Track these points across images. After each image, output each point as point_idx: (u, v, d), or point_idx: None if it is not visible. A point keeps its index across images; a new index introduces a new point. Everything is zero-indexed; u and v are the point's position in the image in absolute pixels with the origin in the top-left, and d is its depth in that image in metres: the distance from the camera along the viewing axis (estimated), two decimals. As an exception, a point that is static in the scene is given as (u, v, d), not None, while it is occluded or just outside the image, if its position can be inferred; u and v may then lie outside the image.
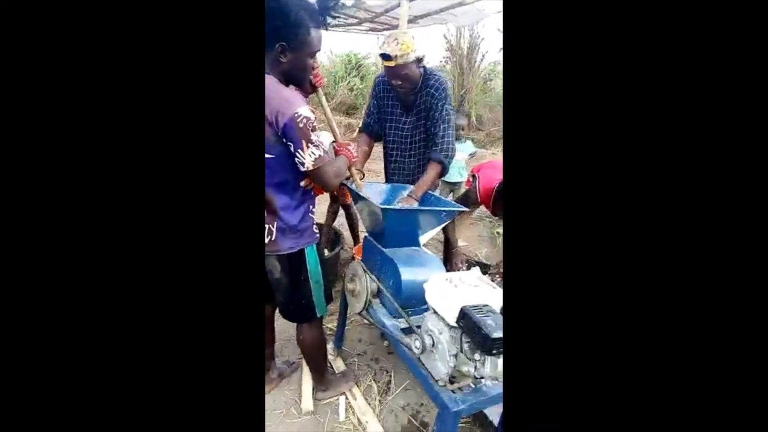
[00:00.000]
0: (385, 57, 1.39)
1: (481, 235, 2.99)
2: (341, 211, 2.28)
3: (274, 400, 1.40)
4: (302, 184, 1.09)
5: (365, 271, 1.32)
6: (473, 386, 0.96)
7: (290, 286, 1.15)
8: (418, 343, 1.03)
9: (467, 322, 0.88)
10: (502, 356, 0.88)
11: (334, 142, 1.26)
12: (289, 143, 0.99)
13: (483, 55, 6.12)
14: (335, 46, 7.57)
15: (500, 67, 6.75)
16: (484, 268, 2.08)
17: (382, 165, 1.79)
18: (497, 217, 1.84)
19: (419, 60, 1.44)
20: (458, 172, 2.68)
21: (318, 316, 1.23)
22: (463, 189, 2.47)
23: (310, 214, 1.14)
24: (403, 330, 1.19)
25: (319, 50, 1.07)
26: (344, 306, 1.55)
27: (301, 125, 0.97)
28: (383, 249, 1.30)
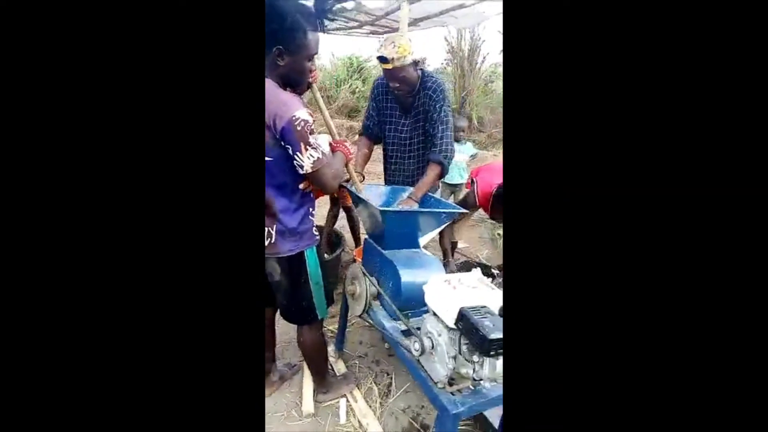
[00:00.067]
0: (383, 60, 1.40)
1: (482, 236, 2.99)
2: (342, 214, 2.29)
3: (275, 403, 1.41)
4: (301, 186, 1.09)
5: (365, 274, 1.32)
6: (473, 388, 0.96)
7: (290, 288, 1.16)
8: (417, 345, 1.03)
9: (465, 324, 0.88)
10: (500, 358, 0.88)
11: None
12: (288, 146, 0.99)
13: (484, 57, 6.13)
14: (337, 50, 7.61)
15: (501, 69, 6.75)
16: (485, 270, 2.08)
17: (382, 167, 1.80)
18: (495, 221, 1.83)
19: (416, 62, 1.44)
20: (459, 174, 2.68)
21: (318, 318, 1.23)
22: (463, 191, 2.47)
23: (310, 217, 1.15)
24: (404, 332, 1.19)
25: (316, 53, 1.08)
26: (345, 308, 1.55)
27: (299, 128, 0.97)
28: (383, 251, 1.30)
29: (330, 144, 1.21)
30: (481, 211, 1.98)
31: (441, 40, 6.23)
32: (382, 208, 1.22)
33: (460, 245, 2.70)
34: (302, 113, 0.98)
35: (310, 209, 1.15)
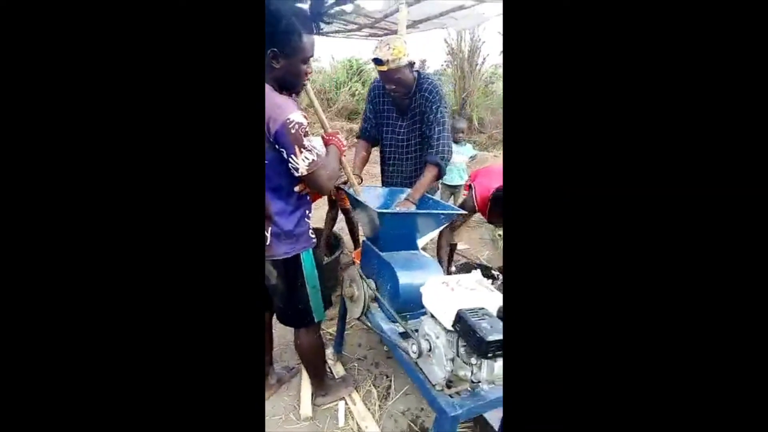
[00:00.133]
0: (378, 62, 1.40)
1: (483, 237, 2.98)
2: (341, 216, 2.28)
3: (273, 406, 1.40)
4: (296, 189, 1.09)
5: (362, 276, 1.31)
6: (471, 390, 0.95)
7: (287, 291, 1.15)
8: (414, 348, 1.02)
9: (463, 326, 0.87)
10: (498, 360, 0.87)
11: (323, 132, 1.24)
12: (282, 149, 0.99)
13: (484, 59, 6.13)
14: (336, 52, 7.64)
15: (501, 70, 6.75)
16: (486, 271, 2.07)
17: (380, 169, 1.79)
18: (493, 224, 1.82)
19: (412, 64, 1.44)
20: (459, 175, 2.67)
21: (315, 321, 1.22)
22: (463, 193, 2.47)
23: (306, 219, 1.14)
24: (402, 334, 1.18)
25: (312, 56, 1.07)
26: (343, 311, 1.54)
27: (293, 131, 0.97)
28: (380, 253, 1.29)
29: (322, 137, 1.19)
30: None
31: (441, 42, 6.24)
32: (379, 210, 1.21)
33: (460, 246, 2.69)
34: (296, 116, 0.98)
35: (306, 212, 1.15)
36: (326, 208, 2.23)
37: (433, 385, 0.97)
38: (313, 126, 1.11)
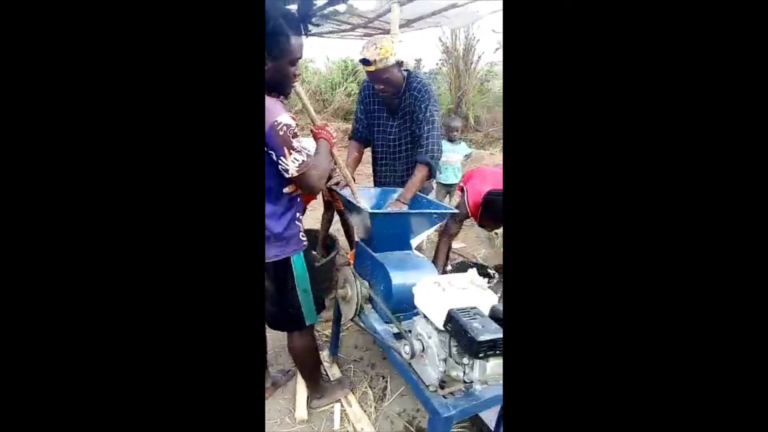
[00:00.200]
0: (365, 62, 1.39)
1: (479, 236, 2.97)
2: (337, 218, 2.28)
3: (269, 409, 1.39)
4: (286, 190, 1.08)
5: (356, 277, 1.31)
6: (465, 391, 0.95)
7: (277, 294, 1.14)
8: (407, 348, 1.02)
9: (454, 326, 0.86)
10: (491, 359, 0.86)
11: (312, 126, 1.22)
12: (271, 151, 0.99)
13: (479, 57, 6.13)
14: (331, 53, 7.64)
15: (496, 68, 6.76)
16: (482, 270, 2.06)
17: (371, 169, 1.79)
18: (484, 229, 1.79)
19: (400, 63, 1.43)
20: (454, 174, 2.67)
21: (307, 324, 1.22)
22: (457, 194, 2.46)
23: (296, 222, 1.14)
24: (396, 335, 1.17)
25: (300, 57, 1.07)
26: (338, 312, 1.54)
27: (281, 133, 0.97)
28: (374, 253, 1.29)
29: (311, 130, 1.18)
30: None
31: (436, 41, 6.24)
32: (370, 211, 1.21)
33: (457, 245, 2.69)
34: (284, 118, 0.97)
35: (297, 214, 1.14)
36: (322, 209, 2.22)
37: (427, 386, 0.96)
38: (306, 127, 1.10)
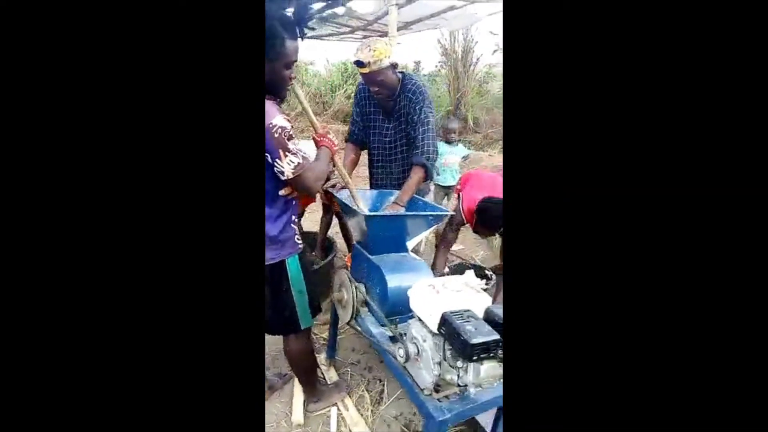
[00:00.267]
0: (359, 64, 1.39)
1: (478, 237, 2.96)
2: (335, 221, 2.27)
3: (265, 413, 1.39)
4: (282, 193, 1.08)
5: (351, 280, 1.30)
6: (460, 394, 0.94)
7: (272, 297, 1.14)
8: (402, 352, 1.01)
9: (448, 329, 0.86)
10: (485, 362, 0.86)
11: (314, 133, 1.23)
12: (266, 154, 0.99)
13: (478, 58, 6.14)
14: (331, 56, 7.66)
15: (495, 70, 6.77)
16: (479, 271, 2.06)
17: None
18: (479, 236, 1.77)
19: (394, 66, 1.43)
20: (452, 176, 2.67)
21: (302, 328, 1.21)
22: (454, 197, 2.45)
23: (292, 225, 1.13)
24: (392, 338, 1.17)
25: (295, 60, 1.07)
26: (335, 316, 1.53)
27: (276, 135, 0.97)
28: (369, 256, 1.29)
29: (313, 138, 1.19)
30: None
31: (434, 43, 6.26)
32: (365, 213, 1.21)
33: (455, 247, 2.68)
34: (279, 120, 0.98)
35: (293, 217, 1.14)
36: (321, 212, 2.22)
37: (422, 390, 0.96)
38: (307, 130, 1.10)
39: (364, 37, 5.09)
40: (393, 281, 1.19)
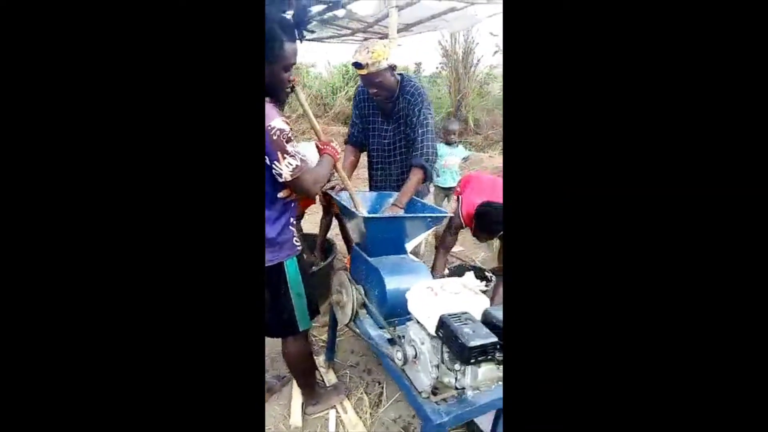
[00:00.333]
0: (357, 65, 1.39)
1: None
2: (335, 222, 2.27)
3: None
4: (280, 195, 1.08)
5: (350, 281, 1.30)
6: (458, 397, 0.94)
7: (270, 300, 1.14)
8: (400, 354, 1.01)
9: (445, 331, 0.86)
10: (482, 365, 0.85)
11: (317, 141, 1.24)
12: (265, 156, 0.99)
13: (478, 60, 6.16)
14: (333, 58, 7.68)
15: (496, 71, 6.77)
16: (479, 273, 2.05)
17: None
18: (478, 240, 1.75)
19: (393, 68, 1.43)
20: (452, 177, 2.66)
21: (300, 330, 1.21)
22: (454, 199, 2.44)
23: (290, 227, 1.13)
24: (390, 341, 1.17)
25: (294, 63, 1.07)
26: (334, 318, 1.53)
27: (274, 137, 0.97)
28: (368, 258, 1.28)
29: (316, 145, 1.20)
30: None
31: (435, 45, 6.27)
32: (363, 215, 1.20)
33: (455, 248, 2.68)
34: (277, 122, 0.98)
35: (291, 219, 1.14)
36: (321, 213, 2.22)
37: (419, 392, 0.95)
38: (308, 132, 1.11)
39: (365, 39, 5.11)
40: (391, 283, 1.19)
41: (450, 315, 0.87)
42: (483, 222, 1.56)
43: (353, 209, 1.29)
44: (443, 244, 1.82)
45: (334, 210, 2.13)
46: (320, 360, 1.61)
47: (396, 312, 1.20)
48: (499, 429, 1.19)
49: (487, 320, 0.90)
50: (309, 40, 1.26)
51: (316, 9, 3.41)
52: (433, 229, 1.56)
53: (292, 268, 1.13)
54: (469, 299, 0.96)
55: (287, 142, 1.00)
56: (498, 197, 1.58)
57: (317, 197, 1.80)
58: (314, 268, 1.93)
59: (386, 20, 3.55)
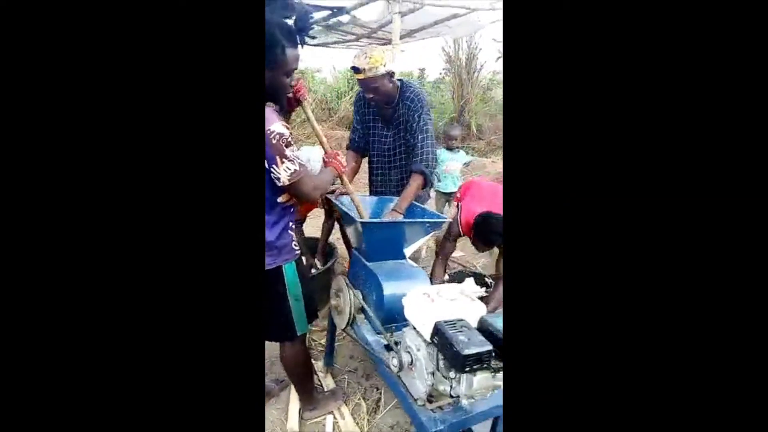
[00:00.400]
0: (355, 70, 1.41)
1: (480, 245, 2.95)
2: (337, 226, 2.28)
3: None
4: (280, 200, 1.09)
5: (348, 286, 1.30)
6: (453, 405, 0.93)
7: (268, 303, 1.14)
8: (395, 361, 1.00)
9: (440, 339, 0.85)
10: (477, 374, 0.85)
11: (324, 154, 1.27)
12: (264, 160, 0.99)
13: (481, 65, 6.17)
14: (338, 63, 7.74)
15: (499, 77, 6.79)
16: (479, 279, 2.04)
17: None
18: (477, 249, 1.72)
19: (391, 74, 1.44)
20: (453, 183, 2.66)
21: (298, 334, 1.21)
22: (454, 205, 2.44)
23: (289, 231, 1.14)
24: (387, 347, 1.16)
25: (295, 68, 1.08)
26: (333, 322, 1.53)
27: (273, 141, 0.98)
28: (366, 263, 1.28)
29: (323, 158, 1.23)
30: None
31: (439, 51, 6.30)
32: (361, 220, 1.21)
33: (456, 254, 2.67)
34: (277, 126, 0.98)
35: (290, 223, 1.14)
36: (323, 217, 2.22)
37: (415, 400, 0.95)
38: (313, 136, 1.12)
39: (369, 44, 5.14)
40: (389, 288, 1.19)
41: (445, 322, 0.87)
42: (481, 232, 1.55)
43: (351, 214, 1.29)
44: (442, 251, 1.82)
45: (335, 214, 2.13)
46: (319, 365, 1.61)
47: (393, 317, 1.19)
48: (497, 437, 1.18)
49: (483, 327, 0.90)
50: (314, 45, 1.28)
51: (320, 15, 3.44)
52: (432, 234, 1.55)
53: (290, 272, 1.13)
54: (466, 306, 0.96)
55: (287, 146, 1.00)
56: (498, 205, 1.57)
57: (319, 201, 1.81)
58: (313, 272, 1.93)
59: (390, 26, 3.58)
